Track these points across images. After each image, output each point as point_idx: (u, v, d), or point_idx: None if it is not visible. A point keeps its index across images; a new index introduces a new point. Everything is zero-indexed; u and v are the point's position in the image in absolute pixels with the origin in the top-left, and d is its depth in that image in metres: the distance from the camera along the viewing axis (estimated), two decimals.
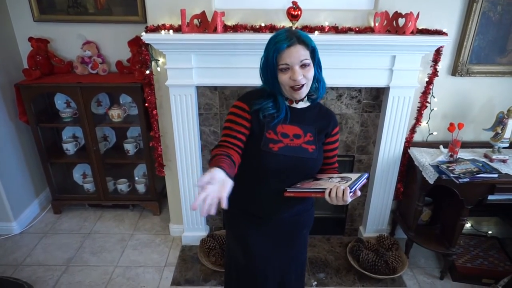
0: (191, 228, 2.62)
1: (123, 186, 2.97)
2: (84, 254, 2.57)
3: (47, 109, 2.85)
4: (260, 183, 1.40)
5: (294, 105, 1.37)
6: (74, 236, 2.75)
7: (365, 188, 2.59)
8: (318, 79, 1.34)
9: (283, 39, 1.23)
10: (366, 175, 1.26)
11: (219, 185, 1.00)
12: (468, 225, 2.71)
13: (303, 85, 1.26)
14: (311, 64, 1.27)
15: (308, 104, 1.40)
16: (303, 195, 1.28)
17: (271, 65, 1.26)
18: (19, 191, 2.81)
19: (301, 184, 1.33)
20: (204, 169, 2.48)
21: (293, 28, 1.95)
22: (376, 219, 2.61)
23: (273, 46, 1.24)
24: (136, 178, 3.09)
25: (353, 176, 1.27)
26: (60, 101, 2.85)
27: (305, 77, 1.25)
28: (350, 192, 1.14)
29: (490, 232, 2.72)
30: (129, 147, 2.87)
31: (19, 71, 2.63)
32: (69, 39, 2.71)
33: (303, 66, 1.24)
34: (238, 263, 1.60)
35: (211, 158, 1.20)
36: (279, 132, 1.33)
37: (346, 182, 1.21)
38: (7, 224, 2.73)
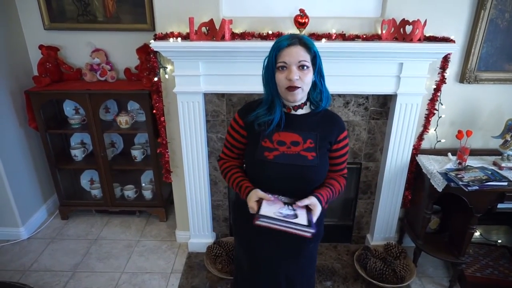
0: (198, 235, 2.62)
1: (130, 192, 2.98)
2: (90, 260, 2.58)
3: (56, 115, 2.88)
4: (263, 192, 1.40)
5: (293, 111, 1.36)
6: (81, 242, 2.76)
7: (373, 196, 2.58)
8: (320, 89, 1.33)
9: (285, 39, 1.26)
10: (309, 233, 1.18)
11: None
12: (477, 233, 2.67)
13: (298, 88, 1.25)
14: (310, 69, 1.27)
15: (309, 110, 1.38)
16: (273, 228, 1.20)
17: (271, 64, 1.27)
18: (27, 197, 2.83)
19: (274, 215, 1.23)
20: (211, 176, 2.48)
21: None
22: (384, 227, 2.59)
23: (275, 45, 1.27)
24: (143, 185, 3.10)
25: (303, 221, 1.20)
26: (69, 107, 2.89)
27: (302, 80, 1.25)
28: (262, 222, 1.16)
29: (500, 241, 2.68)
30: (137, 154, 2.89)
31: (29, 78, 2.66)
32: (78, 47, 2.75)
33: (301, 67, 1.24)
34: (243, 271, 1.59)
35: (226, 173, 1.46)
36: (275, 140, 1.33)
37: (293, 218, 1.20)
38: (15, 230, 2.75)
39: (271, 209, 1.21)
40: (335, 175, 1.47)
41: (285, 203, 1.31)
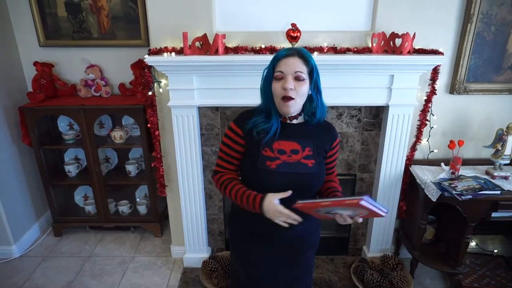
0: (193, 250, 2.59)
1: (124, 207, 2.96)
2: (84, 277, 2.53)
3: (50, 131, 2.87)
4: None
5: (289, 121, 1.38)
6: (75, 259, 2.72)
7: None
8: (316, 103, 1.35)
9: (284, 50, 1.30)
10: (386, 210, 1.19)
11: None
12: (473, 243, 2.68)
13: (292, 98, 1.27)
14: (306, 81, 1.29)
15: (303, 120, 1.41)
16: (314, 206, 1.21)
17: (269, 73, 1.31)
18: (20, 214, 2.80)
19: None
20: (206, 189, 2.48)
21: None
22: (380, 239, 2.58)
23: (274, 56, 1.31)
24: (138, 200, 3.08)
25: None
26: (63, 123, 2.88)
27: (296, 91, 1.27)
28: (362, 201, 1.11)
29: (496, 250, 2.68)
30: (131, 168, 2.88)
31: (24, 94, 2.67)
32: (73, 63, 2.77)
33: (297, 78, 1.27)
34: (241, 284, 1.58)
35: (226, 186, 1.39)
36: (275, 149, 1.34)
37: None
38: (7, 248, 2.70)
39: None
40: (330, 177, 1.52)
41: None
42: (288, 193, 1.26)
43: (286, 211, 1.24)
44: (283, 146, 1.34)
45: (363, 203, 1.10)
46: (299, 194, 1.34)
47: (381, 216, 1.20)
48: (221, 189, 1.43)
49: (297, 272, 1.53)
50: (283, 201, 1.29)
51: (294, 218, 1.26)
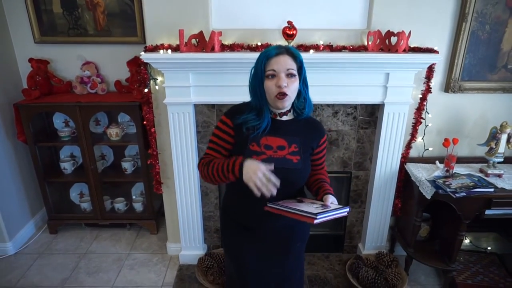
0: (189, 247, 2.60)
1: (120, 205, 2.95)
2: (79, 274, 2.53)
3: (45, 128, 2.86)
4: (248, 194, 1.40)
5: (278, 117, 1.42)
6: (70, 257, 2.71)
7: (363, 205, 2.60)
8: (304, 97, 1.41)
9: (273, 49, 1.33)
10: (347, 209, 1.26)
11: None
12: (467, 241, 2.70)
13: (287, 95, 1.31)
14: (297, 77, 1.34)
15: (292, 117, 1.44)
16: (282, 213, 1.27)
17: (259, 72, 1.33)
18: (15, 211, 2.79)
19: (283, 203, 1.33)
20: (202, 187, 2.48)
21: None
22: (375, 236, 2.60)
23: (263, 55, 1.33)
24: (134, 197, 3.08)
25: (333, 206, 1.30)
26: (58, 120, 2.87)
27: (289, 87, 1.31)
28: (316, 220, 1.17)
29: (489, 248, 2.70)
30: (127, 166, 2.87)
31: (19, 91, 2.66)
32: (68, 60, 2.76)
33: (289, 75, 1.31)
34: (233, 279, 1.59)
35: (208, 164, 1.37)
36: (262, 144, 1.37)
37: (322, 209, 1.25)
38: (2, 245, 2.69)
39: (310, 208, 1.24)
40: (320, 171, 1.55)
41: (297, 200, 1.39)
42: (271, 165, 1.23)
43: (267, 172, 1.21)
44: (270, 141, 1.38)
45: (316, 222, 1.17)
46: (283, 189, 1.36)
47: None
48: (203, 170, 1.39)
49: (288, 265, 1.55)
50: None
51: (272, 181, 1.21)
